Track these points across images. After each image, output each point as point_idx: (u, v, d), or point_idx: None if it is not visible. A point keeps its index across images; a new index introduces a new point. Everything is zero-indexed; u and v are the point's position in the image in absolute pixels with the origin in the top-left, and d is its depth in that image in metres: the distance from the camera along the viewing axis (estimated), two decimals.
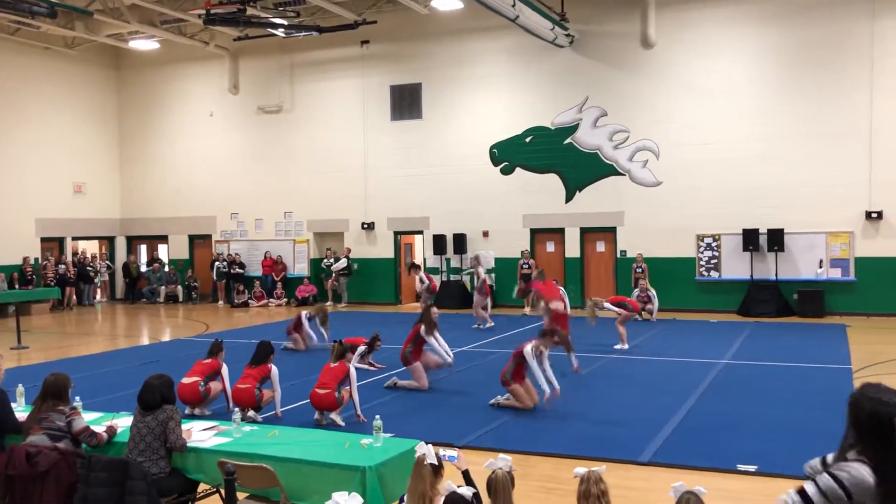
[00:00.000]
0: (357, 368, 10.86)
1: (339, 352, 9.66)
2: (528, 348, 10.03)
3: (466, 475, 4.86)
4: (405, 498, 4.84)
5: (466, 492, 4.43)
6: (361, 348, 12.72)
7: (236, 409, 6.68)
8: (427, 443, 4.90)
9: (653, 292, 19.32)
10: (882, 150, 18.90)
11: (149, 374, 6.30)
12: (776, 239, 19.54)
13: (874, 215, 19.01)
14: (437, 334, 11.61)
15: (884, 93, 18.90)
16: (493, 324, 18.13)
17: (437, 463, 4.69)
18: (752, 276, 20.07)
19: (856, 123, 19.14)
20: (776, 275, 19.84)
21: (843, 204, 19.27)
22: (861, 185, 19.14)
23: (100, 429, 6.20)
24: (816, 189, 19.43)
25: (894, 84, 18.82)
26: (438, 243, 23.01)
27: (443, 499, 4.49)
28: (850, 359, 13.31)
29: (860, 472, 3.05)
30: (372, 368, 13.01)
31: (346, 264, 23.84)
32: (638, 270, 20.61)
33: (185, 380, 9.91)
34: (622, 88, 21.33)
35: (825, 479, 3.10)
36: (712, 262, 20.65)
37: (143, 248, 28.59)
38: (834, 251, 19.53)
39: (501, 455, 4.75)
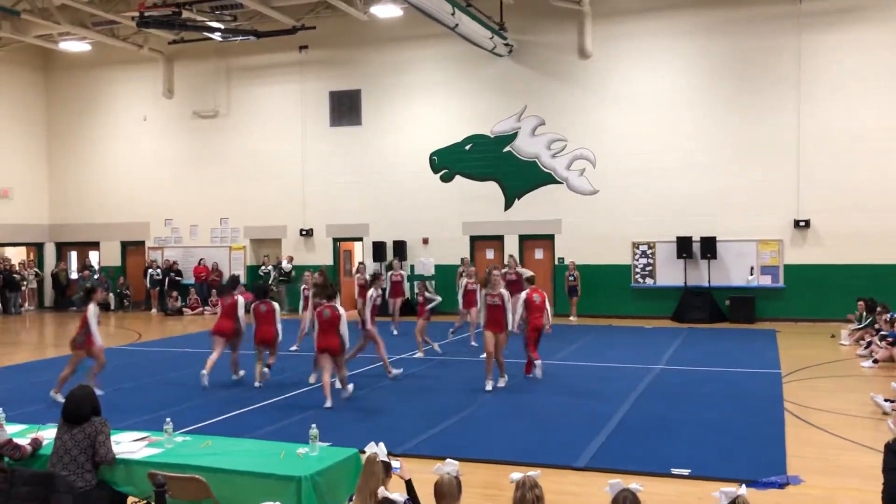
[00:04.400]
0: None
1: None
2: None
3: (409, 485, 4.81)
4: (352, 499, 4.78)
5: (398, 497, 4.39)
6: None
7: (168, 420, 6.46)
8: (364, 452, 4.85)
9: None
10: (809, 161, 19.50)
11: (77, 385, 6.07)
12: (709, 247, 19.98)
13: (802, 224, 19.59)
14: None
15: (810, 105, 19.52)
16: (396, 332, 17.78)
17: (388, 461, 4.67)
18: (685, 282, 20.47)
19: (784, 134, 19.72)
20: (709, 282, 20.27)
21: (772, 213, 19.82)
22: (789, 195, 19.71)
23: (24, 441, 5.97)
24: (747, 198, 19.94)
25: (820, 96, 19.46)
26: (378, 250, 22.91)
27: None
28: (780, 363, 13.66)
29: None
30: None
31: (289, 269, 23.61)
32: (570, 279, 20.70)
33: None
34: (560, 98, 21.58)
35: None
36: (647, 269, 21.00)
37: (74, 254, 27.79)
38: (764, 259, 20.07)
39: (449, 460, 4.72)
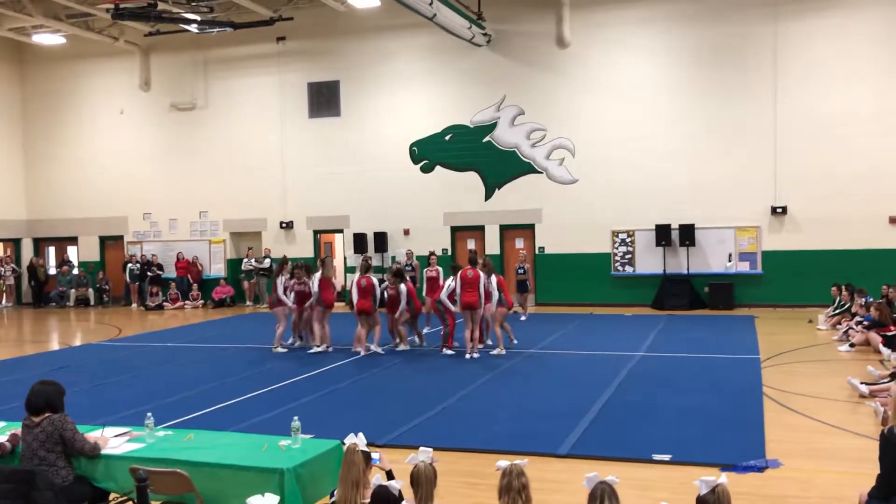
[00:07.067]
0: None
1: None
2: None
3: (390, 475, 4.85)
4: (335, 492, 4.80)
5: (395, 484, 4.43)
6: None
7: (149, 415, 6.43)
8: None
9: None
10: (785, 148, 19.65)
11: (60, 382, 5.97)
12: (687, 234, 20.11)
13: (779, 210, 19.75)
14: None
15: (786, 92, 19.65)
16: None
17: (367, 451, 4.70)
18: (664, 270, 20.61)
19: (761, 121, 19.86)
20: (688, 269, 20.42)
21: (750, 200, 19.97)
22: (766, 182, 19.86)
23: (2, 438, 5.93)
24: (725, 185, 20.08)
25: (796, 83, 19.60)
26: (359, 242, 22.87)
27: (370, 492, 4.50)
28: (759, 349, 13.79)
29: None
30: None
31: (270, 264, 23.50)
32: (520, 272, 19.02)
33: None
34: (538, 87, 21.60)
35: None
36: (627, 257, 21.11)
37: (52, 249, 27.53)
38: (742, 245, 20.23)
39: (422, 448, 4.73)
